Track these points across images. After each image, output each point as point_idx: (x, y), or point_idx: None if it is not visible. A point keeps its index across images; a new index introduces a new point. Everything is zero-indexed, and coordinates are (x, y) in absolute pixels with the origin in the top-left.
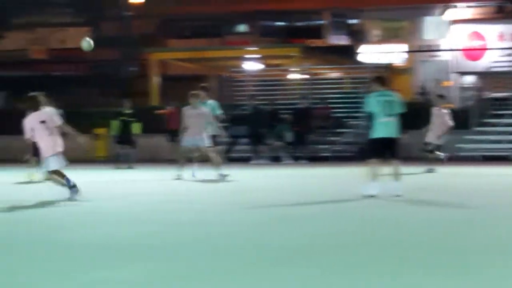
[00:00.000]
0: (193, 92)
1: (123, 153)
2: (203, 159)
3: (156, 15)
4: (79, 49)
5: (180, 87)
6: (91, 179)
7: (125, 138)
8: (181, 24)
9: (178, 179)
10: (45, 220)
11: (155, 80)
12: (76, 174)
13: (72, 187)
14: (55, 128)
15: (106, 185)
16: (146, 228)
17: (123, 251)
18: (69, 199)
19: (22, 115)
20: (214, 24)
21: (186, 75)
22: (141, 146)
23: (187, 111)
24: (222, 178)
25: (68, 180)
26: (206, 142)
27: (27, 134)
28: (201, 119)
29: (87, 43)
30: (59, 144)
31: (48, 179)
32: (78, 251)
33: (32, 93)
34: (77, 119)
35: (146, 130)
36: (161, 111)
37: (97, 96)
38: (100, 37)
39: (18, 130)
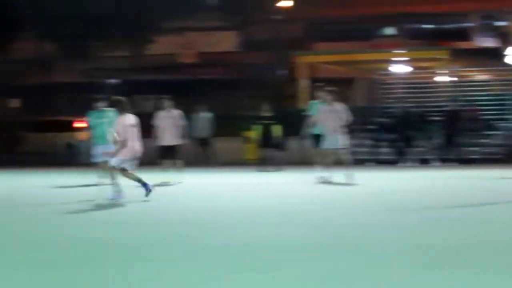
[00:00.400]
0: (328, 89)
1: (269, 156)
2: (339, 161)
3: (304, 18)
4: (228, 53)
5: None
6: (233, 181)
7: (267, 141)
8: (328, 27)
9: (321, 182)
10: (194, 222)
11: (304, 83)
12: (221, 176)
13: (118, 191)
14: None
15: (243, 187)
16: (291, 230)
17: (273, 252)
18: (109, 198)
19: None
20: (362, 27)
21: (334, 78)
22: (292, 149)
23: (323, 109)
24: (352, 179)
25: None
26: (343, 143)
27: (121, 134)
28: (337, 118)
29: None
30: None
31: (124, 176)
32: (229, 253)
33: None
34: (226, 122)
35: (296, 133)
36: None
37: (246, 100)
38: (248, 41)
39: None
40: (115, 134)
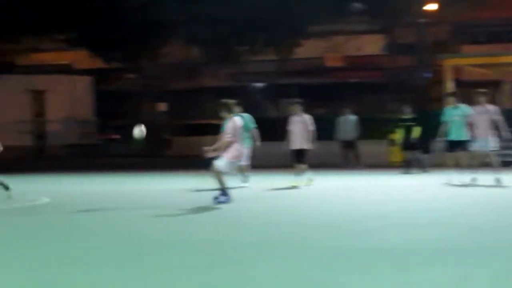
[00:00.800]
0: (480, 91)
1: (413, 158)
2: (486, 163)
3: (450, 21)
4: (373, 56)
5: (474, 92)
6: (377, 183)
7: (409, 143)
8: (475, 29)
9: (467, 184)
10: (330, 225)
11: (449, 86)
12: (365, 179)
13: (224, 194)
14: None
15: (387, 190)
16: (435, 232)
17: (419, 254)
18: (214, 202)
19: (319, 121)
20: (509, 29)
21: (480, 80)
22: (436, 151)
23: (475, 110)
24: (501, 182)
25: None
26: (493, 145)
27: (229, 136)
28: (488, 120)
29: (139, 132)
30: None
31: (215, 176)
32: (374, 255)
33: (225, 100)
34: (372, 125)
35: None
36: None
37: (391, 102)
38: (394, 44)
39: (319, 135)
40: (228, 136)
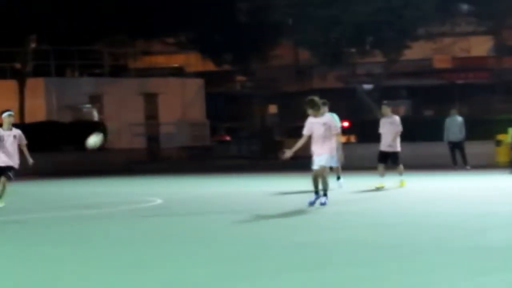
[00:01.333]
0: None
1: None
2: None
3: None
4: (481, 58)
5: None
6: (484, 184)
7: None
8: None
9: None
10: (442, 225)
11: None
12: (472, 179)
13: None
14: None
15: (499, 190)
16: None
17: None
18: (310, 204)
19: (427, 122)
20: None
21: None
22: None
23: None
24: None
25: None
26: None
27: (337, 132)
28: None
29: (95, 141)
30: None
31: (319, 177)
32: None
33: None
34: (480, 125)
35: None
36: None
37: (499, 104)
38: (502, 45)
39: (427, 137)
40: (337, 131)
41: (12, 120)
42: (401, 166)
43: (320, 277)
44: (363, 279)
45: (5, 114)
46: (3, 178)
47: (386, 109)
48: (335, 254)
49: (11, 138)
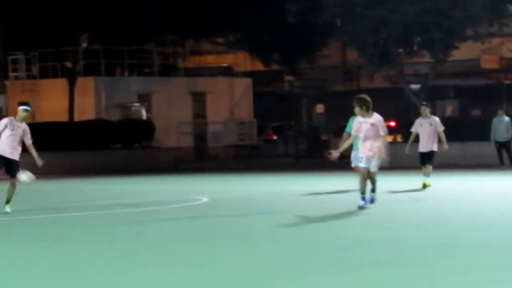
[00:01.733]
0: None
1: None
2: None
3: None
4: None
5: None
6: None
7: None
8: None
9: None
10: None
11: None
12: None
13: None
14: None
15: None
16: None
17: None
18: (360, 207)
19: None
20: None
21: None
22: None
23: None
24: None
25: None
26: None
27: (384, 133)
28: None
29: (26, 178)
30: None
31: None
32: None
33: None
34: None
35: None
36: None
37: None
38: None
39: (474, 137)
40: (384, 133)
41: (26, 115)
42: (430, 167)
43: (372, 276)
44: (417, 278)
45: (21, 107)
46: (12, 180)
47: (425, 110)
48: (386, 254)
49: (20, 131)
